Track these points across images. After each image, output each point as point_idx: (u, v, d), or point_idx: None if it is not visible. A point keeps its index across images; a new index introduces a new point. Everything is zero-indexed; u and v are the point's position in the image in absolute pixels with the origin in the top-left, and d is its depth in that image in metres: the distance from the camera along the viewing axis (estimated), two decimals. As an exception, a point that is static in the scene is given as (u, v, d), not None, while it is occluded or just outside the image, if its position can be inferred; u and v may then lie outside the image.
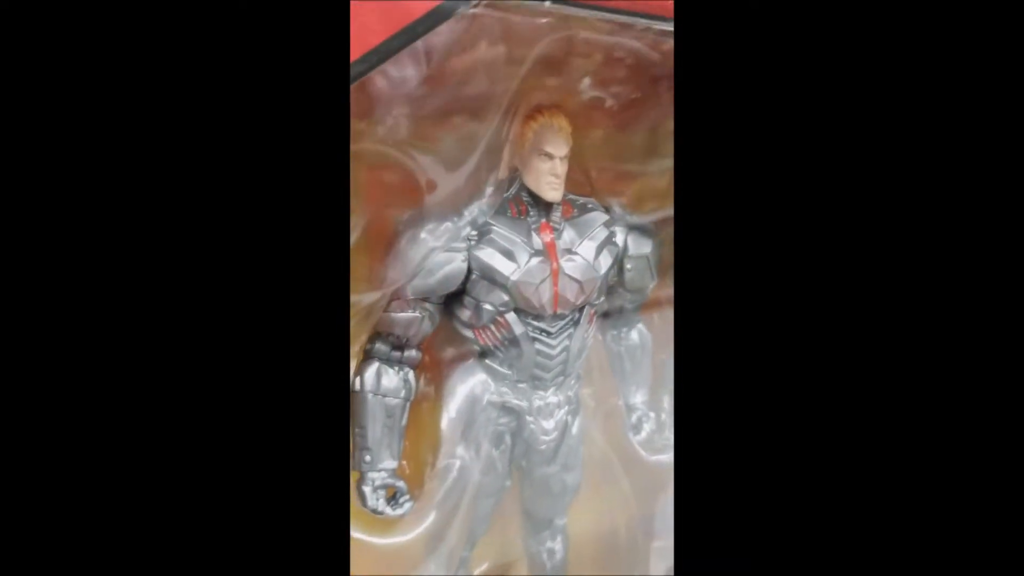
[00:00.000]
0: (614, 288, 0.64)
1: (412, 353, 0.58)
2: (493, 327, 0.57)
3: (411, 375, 0.59)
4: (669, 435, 0.72)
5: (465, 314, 0.58)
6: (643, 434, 0.70)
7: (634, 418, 0.70)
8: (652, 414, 0.71)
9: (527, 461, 0.63)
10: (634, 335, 0.69)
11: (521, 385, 0.60)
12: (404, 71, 0.44)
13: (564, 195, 0.59)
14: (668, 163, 0.62)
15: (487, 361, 0.60)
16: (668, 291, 0.71)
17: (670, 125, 0.60)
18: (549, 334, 0.58)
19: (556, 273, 0.57)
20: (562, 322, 0.58)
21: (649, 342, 0.70)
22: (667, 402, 0.73)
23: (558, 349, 0.59)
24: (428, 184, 0.51)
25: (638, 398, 0.70)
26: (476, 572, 0.71)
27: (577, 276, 0.57)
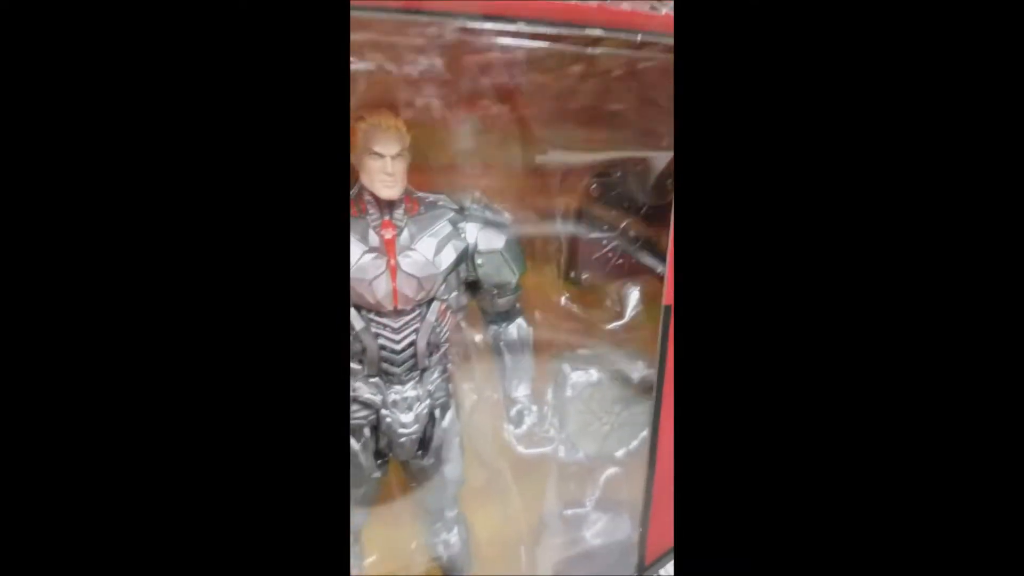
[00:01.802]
0: (476, 284, 0.64)
1: None
2: None
3: None
4: (549, 428, 0.72)
5: None
6: (523, 427, 0.71)
7: (514, 411, 0.70)
8: (534, 407, 0.71)
9: (394, 454, 0.65)
10: (512, 330, 0.69)
11: (373, 380, 0.61)
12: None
13: (412, 193, 0.60)
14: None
15: (339, 357, 0.61)
16: (555, 290, 0.72)
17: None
18: (393, 329, 0.59)
19: (394, 269, 0.58)
20: (406, 317, 0.60)
21: (529, 336, 0.70)
22: (550, 395, 0.74)
23: (403, 344, 0.60)
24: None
25: (520, 391, 0.70)
26: (366, 562, 0.72)
27: (415, 272, 0.58)
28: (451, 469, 0.68)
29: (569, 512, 0.74)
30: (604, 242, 0.68)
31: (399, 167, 0.57)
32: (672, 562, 0.70)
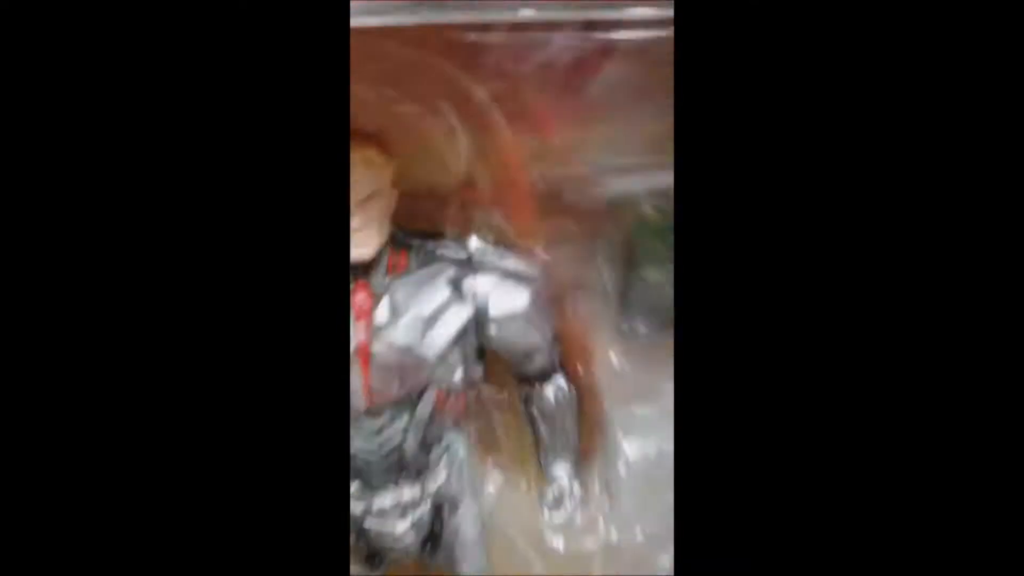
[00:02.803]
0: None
1: None
2: None
3: None
4: (596, 513, 0.57)
5: None
6: (563, 513, 0.56)
7: (551, 494, 0.56)
8: (577, 484, 0.56)
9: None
10: (549, 392, 0.53)
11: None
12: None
13: (398, 242, 0.45)
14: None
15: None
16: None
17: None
18: (371, 432, 0.45)
19: (366, 359, 0.43)
20: (385, 417, 0.45)
21: (572, 400, 0.55)
22: (600, 470, 0.58)
23: (386, 450, 0.46)
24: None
25: (559, 469, 0.56)
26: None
27: (394, 362, 0.43)
28: (468, 567, 0.54)
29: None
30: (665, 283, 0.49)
31: (373, 214, 0.41)
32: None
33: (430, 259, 0.45)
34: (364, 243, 0.41)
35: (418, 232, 0.46)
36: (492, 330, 0.46)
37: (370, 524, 0.48)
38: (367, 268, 0.43)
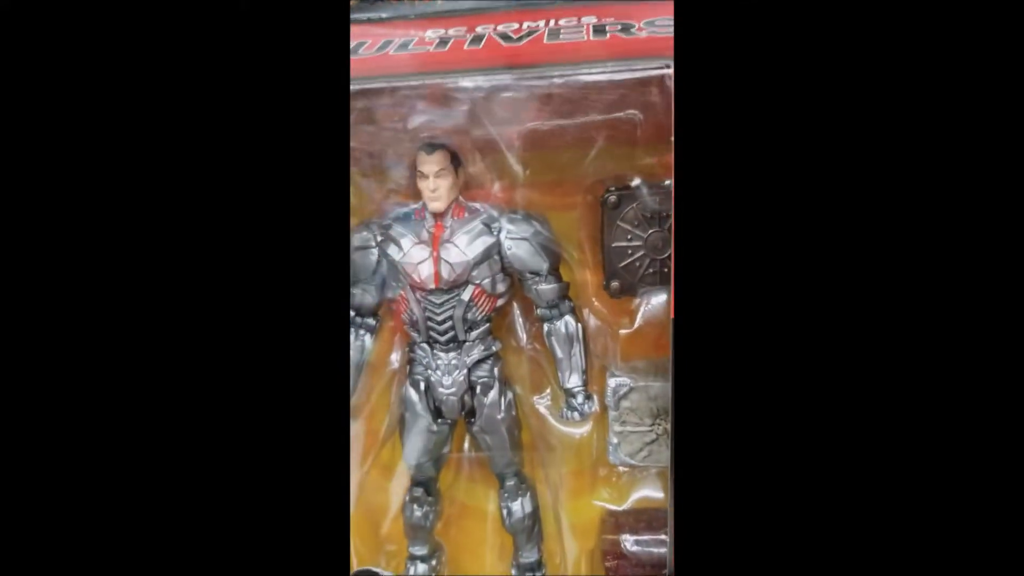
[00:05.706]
0: (512, 272, 0.79)
1: (368, 321, 0.83)
2: (400, 300, 0.79)
3: (367, 339, 0.83)
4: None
5: (389, 293, 0.81)
6: (577, 414, 0.82)
7: (574, 400, 0.82)
8: (581, 399, 0.82)
9: (444, 411, 0.82)
10: (560, 326, 0.82)
11: (424, 345, 0.80)
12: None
13: (461, 202, 0.79)
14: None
15: (405, 327, 0.81)
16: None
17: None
18: (435, 304, 0.78)
19: (436, 258, 0.77)
20: (447, 296, 0.78)
21: (579, 332, 0.82)
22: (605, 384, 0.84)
23: (443, 316, 0.78)
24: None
25: (572, 382, 0.82)
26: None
27: (449, 259, 0.76)
28: (495, 440, 0.83)
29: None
30: (630, 251, 0.78)
31: (441, 183, 0.76)
32: None
33: (474, 213, 0.77)
34: (436, 200, 0.75)
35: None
36: (507, 246, 0.76)
37: (430, 373, 0.80)
38: (443, 213, 0.78)
